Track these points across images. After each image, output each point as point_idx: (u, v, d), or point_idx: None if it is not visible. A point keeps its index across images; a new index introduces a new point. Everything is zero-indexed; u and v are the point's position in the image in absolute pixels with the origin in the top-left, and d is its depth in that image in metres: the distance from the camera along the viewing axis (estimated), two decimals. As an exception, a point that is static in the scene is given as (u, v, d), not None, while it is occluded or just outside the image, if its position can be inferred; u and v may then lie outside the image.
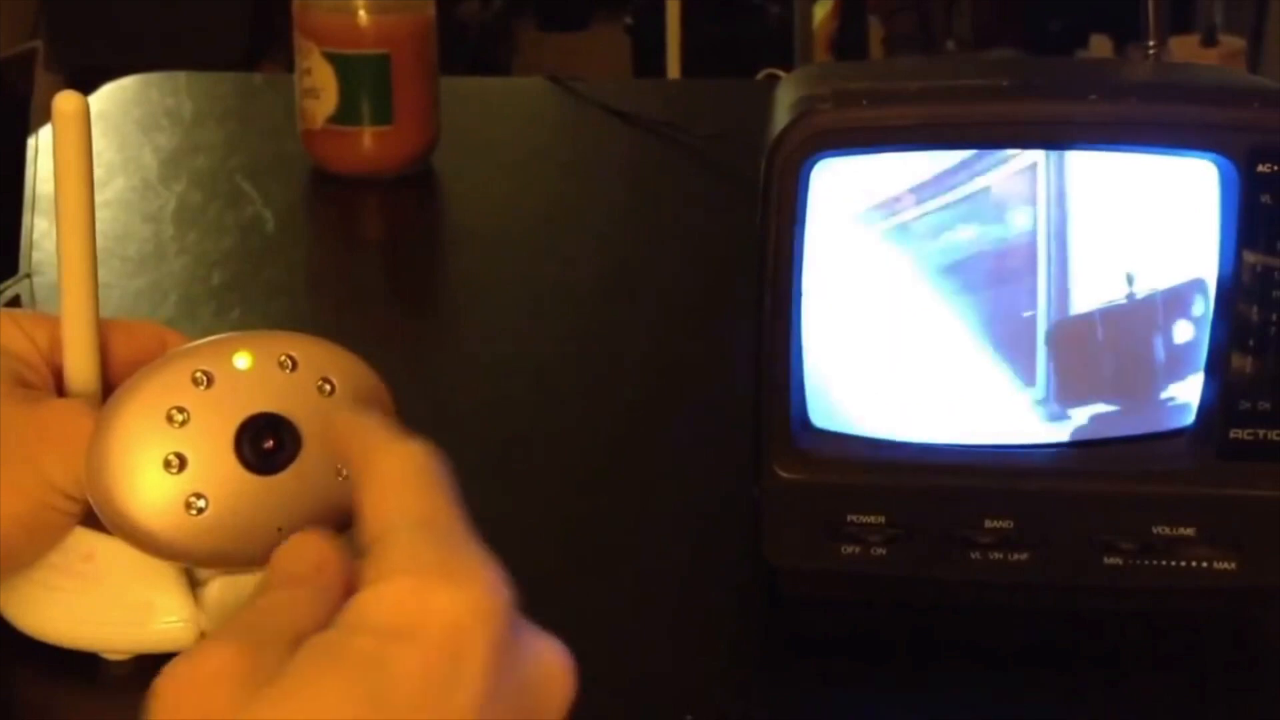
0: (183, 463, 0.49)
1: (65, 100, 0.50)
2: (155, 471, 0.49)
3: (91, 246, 0.52)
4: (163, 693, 0.39)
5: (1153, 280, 0.55)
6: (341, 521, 0.50)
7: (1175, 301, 0.55)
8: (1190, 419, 0.56)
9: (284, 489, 0.50)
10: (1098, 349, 0.56)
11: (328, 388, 0.51)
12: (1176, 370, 0.56)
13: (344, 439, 0.45)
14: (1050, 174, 0.54)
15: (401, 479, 0.43)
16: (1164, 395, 0.56)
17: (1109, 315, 0.55)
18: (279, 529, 0.50)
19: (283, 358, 0.51)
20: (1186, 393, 0.56)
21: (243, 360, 0.51)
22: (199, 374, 0.50)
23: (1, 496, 0.50)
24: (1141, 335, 0.56)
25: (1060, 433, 0.57)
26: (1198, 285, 0.55)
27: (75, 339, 0.53)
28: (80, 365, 0.53)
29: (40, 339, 0.53)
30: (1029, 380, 0.56)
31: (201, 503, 0.49)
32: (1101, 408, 0.56)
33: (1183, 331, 0.55)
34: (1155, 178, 0.54)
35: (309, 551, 0.43)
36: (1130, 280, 0.55)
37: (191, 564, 0.52)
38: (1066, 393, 0.56)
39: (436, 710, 0.38)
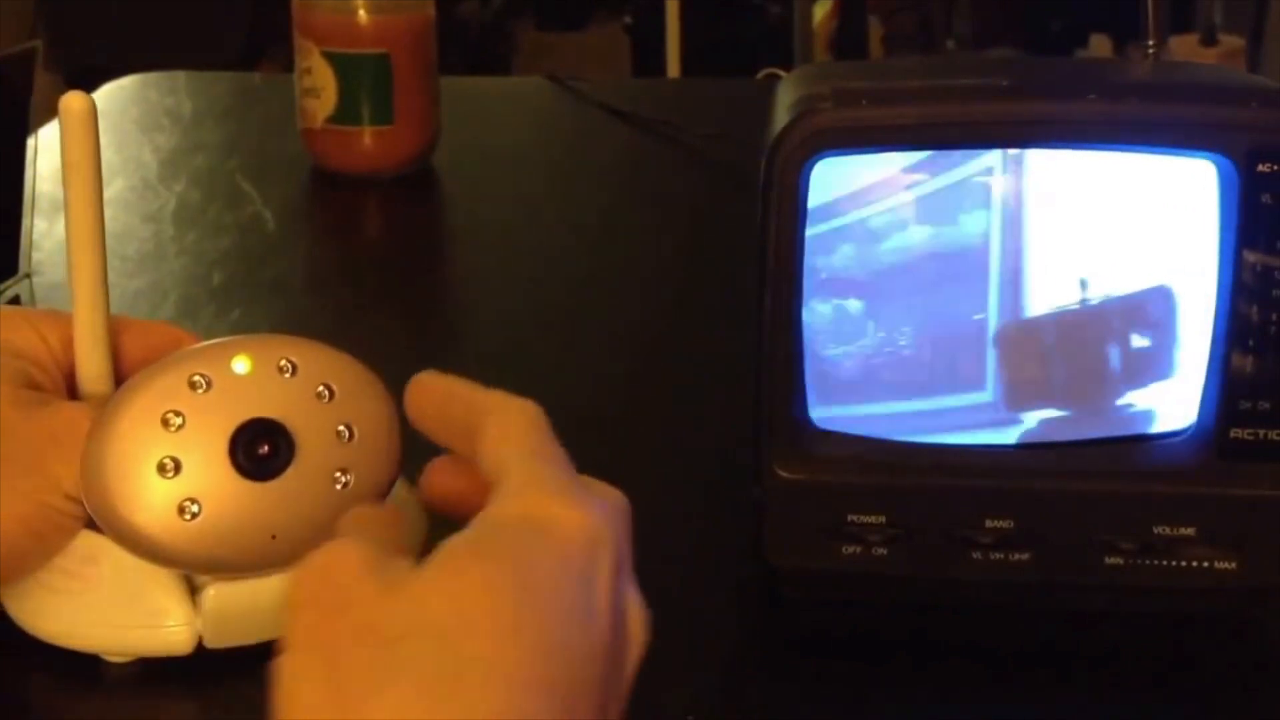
0: (177, 467, 0.49)
1: (73, 100, 0.50)
2: (150, 476, 0.49)
3: (101, 247, 0.51)
4: (298, 586, 0.41)
5: (1118, 285, 0.55)
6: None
7: (1136, 309, 0.55)
8: (1151, 427, 0.56)
9: (279, 495, 0.50)
10: (1052, 352, 0.56)
11: (326, 394, 0.51)
12: (1134, 378, 0.56)
13: (456, 400, 0.48)
14: (1052, 171, 0.54)
15: (518, 424, 0.46)
16: (1121, 402, 0.56)
17: (1066, 318, 0.55)
18: (273, 536, 0.49)
19: (283, 363, 0.51)
20: (1146, 400, 0.56)
21: (242, 365, 0.50)
22: (197, 378, 0.50)
23: (8, 500, 0.50)
24: (1097, 341, 0.56)
25: (1009, 436, 0.57)
26: (1162, 292, 0.55)
27: (86, 339, 0.52)
28: (92, 366, 0.53)
29: (53, 339, 0.53)
30: (980, 382, 0.56)
31: (195, 507, 0.49)
32: (1052, 413, 0.57)
33: (1140, 339, 0.55)
34: (1155, 178, 0.54)
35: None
36: (1085, 285, 0.55)
37: (185, 569, 0.52)
38: (1015, 397, 0.56)
39: (574, 604, 0.40)
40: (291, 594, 0.41)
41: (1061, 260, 0.55)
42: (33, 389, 0.51)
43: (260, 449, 0.50)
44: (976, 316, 0.55)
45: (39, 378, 0.52)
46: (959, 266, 0.55)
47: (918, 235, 0.55)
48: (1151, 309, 0.55)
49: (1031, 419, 0.57)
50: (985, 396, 0.56)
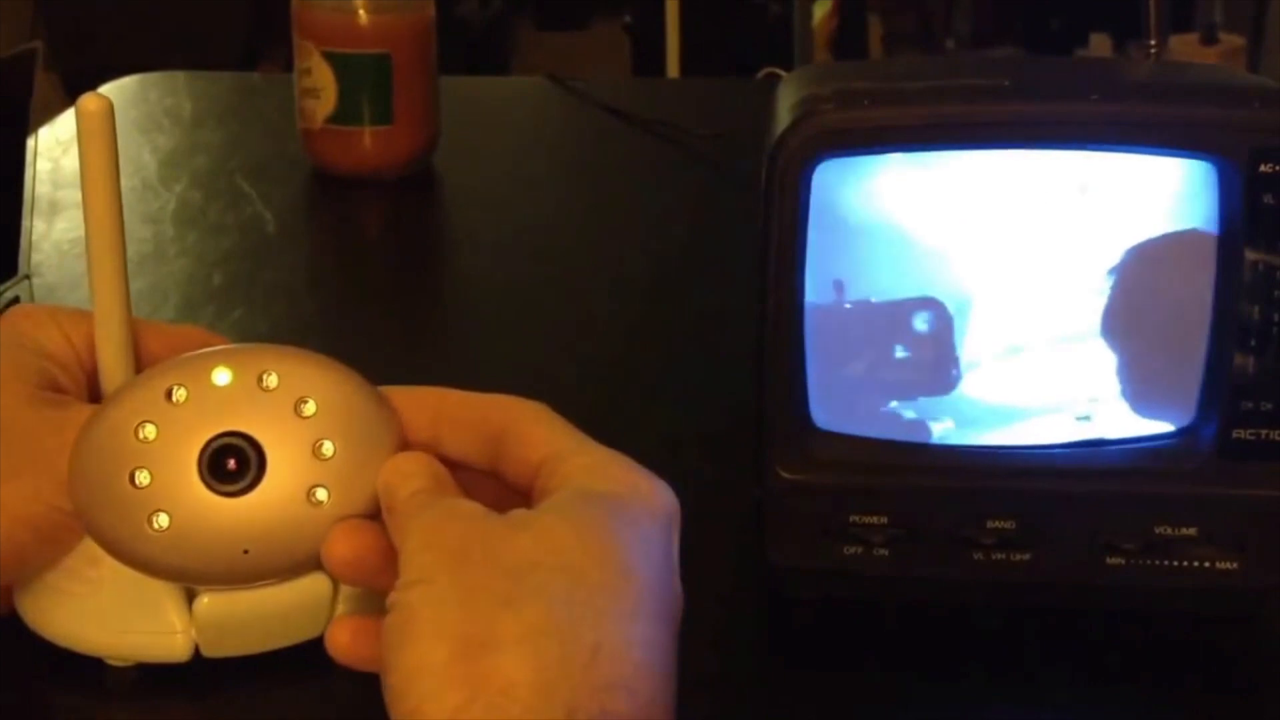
0: (148, 479, 0.49)
1: (90, 101, 0.49)
2: (121, 486, 0.48)
3: (121, 248, 0.51)
4: (415, 536, 0.44)
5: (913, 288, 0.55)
6: (313, 547, 0.49)
7: (905, 317, 0.56)
8: (929, 438, 0.57)
9: (248, 510, 0.49)
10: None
11: (309, 408, 0.49)
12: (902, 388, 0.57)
13: (451, 401, 0.50)
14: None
15: (546, 415, 0.49)
16: (887, 410, 0.57)
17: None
18: (245, 550, 0.49)
19: (265, 375, 0.49)
20: (917, 411, 0.56)
21: (222, 376, 0.49)
22: (174, 389, 0.49)
23: (14, 500, 0.50)
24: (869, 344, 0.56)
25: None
26: (932, 304, 0.55)
27: (107, 341, 0.52)
28: (113, 368, 0.52)
29: (78, 339, 0.53)
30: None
31: (163, 520, 0.48)
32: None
33: (907, 349, 0.56)
34: (1155, 178, 0.54)
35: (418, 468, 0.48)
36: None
37: (160, 579, 0.51)
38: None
39: (664, 558, 0.45)
40: (409, 545, 0.44)
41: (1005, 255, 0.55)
42: (54, 389, 0.51)
43: (228, 463, 0.49)
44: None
45: (61, 379, 0.52)
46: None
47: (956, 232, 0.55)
48: (920, 318, 0.55)
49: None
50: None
